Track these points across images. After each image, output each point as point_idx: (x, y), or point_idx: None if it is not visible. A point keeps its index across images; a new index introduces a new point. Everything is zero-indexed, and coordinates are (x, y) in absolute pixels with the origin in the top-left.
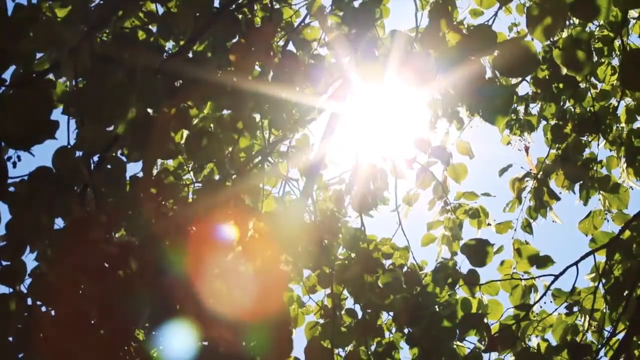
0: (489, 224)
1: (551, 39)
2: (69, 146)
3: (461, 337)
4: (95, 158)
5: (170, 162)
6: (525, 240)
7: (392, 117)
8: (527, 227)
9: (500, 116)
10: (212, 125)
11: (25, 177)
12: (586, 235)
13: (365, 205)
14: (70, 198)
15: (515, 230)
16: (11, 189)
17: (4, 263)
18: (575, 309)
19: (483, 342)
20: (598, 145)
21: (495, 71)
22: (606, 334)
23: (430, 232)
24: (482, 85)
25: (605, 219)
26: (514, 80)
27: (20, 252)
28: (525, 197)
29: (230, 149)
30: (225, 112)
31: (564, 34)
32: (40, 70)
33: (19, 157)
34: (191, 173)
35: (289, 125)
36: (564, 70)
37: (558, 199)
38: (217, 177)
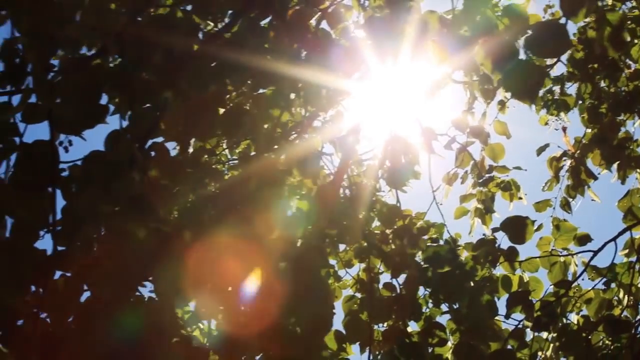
0: (520, 198)
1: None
2: (121, 130)
3: (508, 315)
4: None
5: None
6: (564, 219)
7: (425, 95)
8: (566, 206)
9: (531, 96)
10: (248, 103)
11: (78, 162)
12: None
13: (397, 179)
14: (126, 181)
15: (554, 208)
16: (64, 173)
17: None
18: (613, 285)
19: (529, 320)
20: (634, 124)
21: (527, 51)
22: None
23: (463, 205)
24: (515, 65)
25: None
26: (548, 61)
27: (76, 236)
28: (563, 176)
29: (266, 126)
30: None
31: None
32: (87, 55)
33: (70, 142)
34: (227, 150)
35: (323, 102)
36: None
37: (595, 177)
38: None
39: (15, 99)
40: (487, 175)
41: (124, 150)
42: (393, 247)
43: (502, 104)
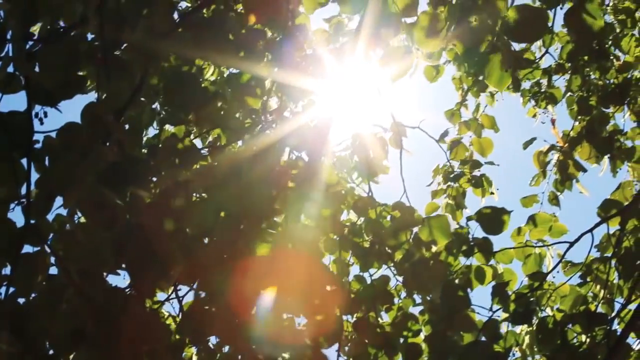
0: (492, 193)
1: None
2: (97, 102)
3: (492, 306)
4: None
5: (171, 128)
6: (553, 213)
7: (393, 81)
8: (554, 200)
9: (504, 80)
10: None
11: (52, 133)
12: None
13: (367, 172)
14: (102, 151)
15: (542, 204)
16: (38, 145)
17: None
18: (589, 279)
19: (505, 311)
20: (623, 116)
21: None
22: (617, 305)
23: (434, 200)
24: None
25: (635, 189)
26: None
27: (48, 208)
28: (550, 171)
29: (238, 115)
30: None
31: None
32: (67, 25)
33: (45, 114)
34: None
35: (297, 92)
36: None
37: (585, 170)
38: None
39: None
40: (458, 170)
41: (100, 122)
42: (365, 239)
43: (490, 96)
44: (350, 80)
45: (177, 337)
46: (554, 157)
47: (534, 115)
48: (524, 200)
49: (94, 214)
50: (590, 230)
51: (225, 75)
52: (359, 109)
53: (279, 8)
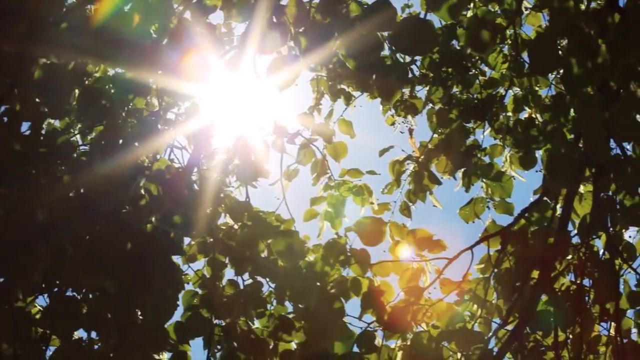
0: (371, 203)
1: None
2: None
3: (361, 316)
4: None
5: (57, 123)
6: (403, 224)
7: (279, 90)
8: (406, 210)
9: (393, 93)
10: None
11: None
12: (467, 222)
13: (245, 176)
14: None
15: (392, 212)
16: None
17: None
18: (466, 297)
19: (379, 323)
20: (483, 132)
21: (392, 47)
22: (494, 325)
23: (313, 207)
24: (378, 61)
25: (487, 206)
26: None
27: None
28: (405, 181)
29: (123, 113)
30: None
31: (469, 14)
32: None
33: None
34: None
35: (178, 93)
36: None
37: (439, 183)
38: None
39: None
40: (339, 179)
41: None
42: (240, 242)
43: (348, 98)
44: (236, 85)
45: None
46: (410, 167)
47: (392, 123)
48: (375, 209)
49: None
50: (470, 248)
51: (109, 74)
52: (243, 114)
53: None
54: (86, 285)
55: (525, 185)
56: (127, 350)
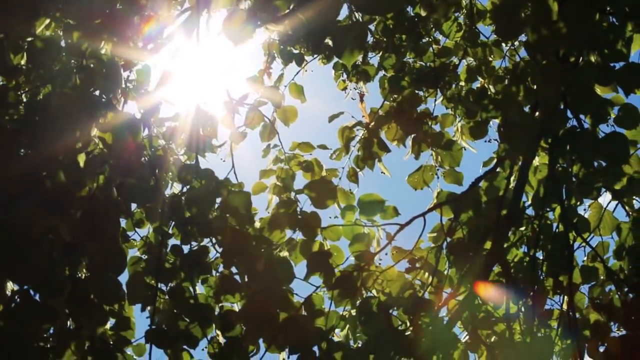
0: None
1: None
2: None
3: (307, 277)
4: None
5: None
6: (350, 190)
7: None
8: (353, 177)
9: (351, 52)
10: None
11: None
12: (415, 189)
13: (196, 148)
14: None
15: (340, 179)
16: None
17: None
18: (418, 265)
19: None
20: (435, 101)
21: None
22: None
23: (262, 180)
24: (335, 21)
25: (436, 175)
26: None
27: None
28: (354, 147)
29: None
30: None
31: None
32: None
33: None
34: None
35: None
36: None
37: (388, 150)
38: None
39: None
40: (289, 152)
41: None
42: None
43: (300, 60)
44: (189, 49)
45: None
46: (359, 133)
47: (344, 88)
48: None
49: None
50: (423, 215)
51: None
52: (196, 79)
53: None
54: (40, 225)
55: (476, 156)
56: (79, 303)
